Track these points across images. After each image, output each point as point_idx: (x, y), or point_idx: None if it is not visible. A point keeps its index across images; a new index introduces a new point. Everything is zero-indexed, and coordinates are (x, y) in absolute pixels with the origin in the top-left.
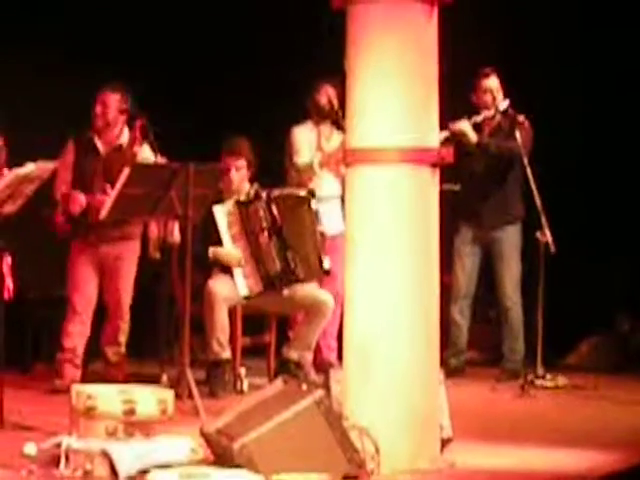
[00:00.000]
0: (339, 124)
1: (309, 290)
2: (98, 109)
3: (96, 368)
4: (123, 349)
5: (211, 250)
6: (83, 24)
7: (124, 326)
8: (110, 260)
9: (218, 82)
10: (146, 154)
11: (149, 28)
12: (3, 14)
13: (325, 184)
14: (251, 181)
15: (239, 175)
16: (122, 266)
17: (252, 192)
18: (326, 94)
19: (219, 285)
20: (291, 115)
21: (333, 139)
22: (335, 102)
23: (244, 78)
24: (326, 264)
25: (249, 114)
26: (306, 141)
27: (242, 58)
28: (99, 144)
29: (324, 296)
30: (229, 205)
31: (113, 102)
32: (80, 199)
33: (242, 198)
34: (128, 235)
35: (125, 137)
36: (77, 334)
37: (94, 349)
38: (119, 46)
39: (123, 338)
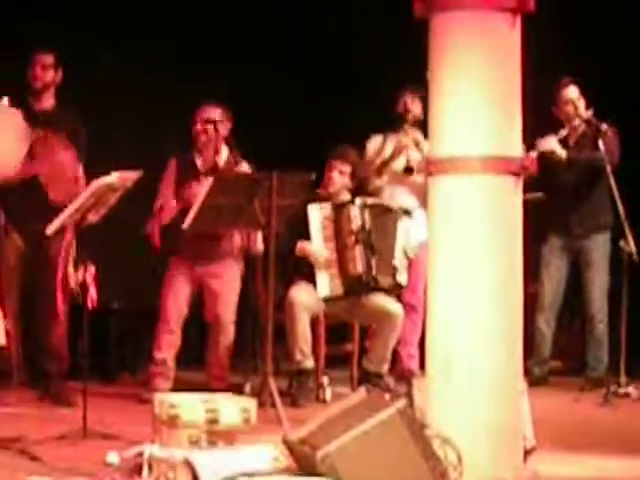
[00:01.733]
0: (411, 131)
1: (379, 300)
2: (199, 125)
3: (197, 378)
4: (225, 366)
5: (299, 245)
6: (178, 38)
7: (228, 337)
8: (209, 278)
9: (311, 92)
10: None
11: (243, 40)
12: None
13: (401, 196)
14: (352, 194)
15: (341, 179)
16: (221, 285)
17: (348, 197)
18: (404, 101)
19: (301, 294)
20: (381, 125)
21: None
22: (415, 109)
23: (336, 87)
24: (401, 278)
25: (341, 125)
26: (376, 153)
27: (333, 68)
28: (199, 162)
29: (393, 307)
30: (325, 206)
31: (217, 117)
32: (171, 208)
33: (338, 201)
34: (225, 253)
35: (225, 153)
36: (168, 346)
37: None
38: (212, 56)
39: (225, 352)
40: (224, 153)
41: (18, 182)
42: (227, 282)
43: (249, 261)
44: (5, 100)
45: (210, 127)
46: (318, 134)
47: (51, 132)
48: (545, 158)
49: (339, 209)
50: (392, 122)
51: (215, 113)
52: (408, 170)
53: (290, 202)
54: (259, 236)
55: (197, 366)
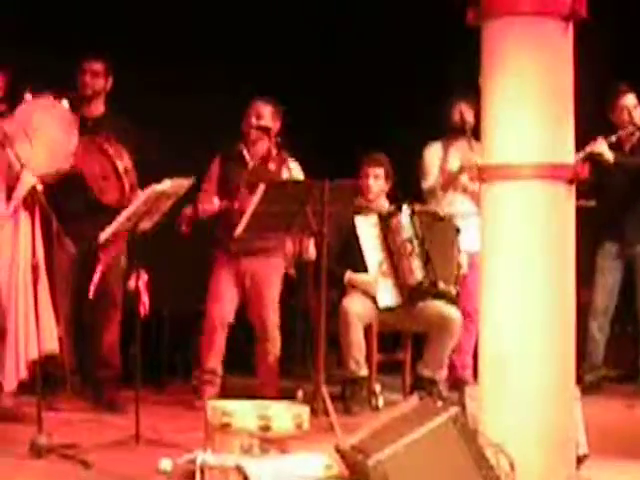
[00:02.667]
0: (469, 140)
1: (437, 307)
2: (252, 120)
3: (247, 383)
4: (275, 369)
5: (347, 276)
6: (225, 39)
7: (275, 345)
8: (252, 276)
9: (357, 99)
10: (295, 172)
11: (293, 46)
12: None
13: (458, 202)
14: (390, 198)
15: (377, 184)
16: (265, 283)
17: (394, 206)
18: (459, 110)
19: (354, 304)
20: (430, 133)
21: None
22: (468, 118)
23: (382, 94)
24: (453, 290)
25: (388, 131)
26: (434, 162)
27: (380, 75)
28: (248, 156)
29: (451, 313)
30: (372, 218)
31: (268, 113)
32: (214, 201)
33: (384, 212)
34: (270, 250)
35: (273, 150)
36: (216, 354)
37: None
38: (261, 61)
39: (272, 357)
40: (272, 149)
41: (67, 180)
42: (272, 282)
43: (301, 267)
44: (65, 102)
45: (260, 123)
46: (359, 142)
47: (101, 136)
48: (594, 160)
49: (387, 219)
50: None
51: (267, 109)
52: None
53: (340, 209)
54: (311, 243)
55: (245, 372)
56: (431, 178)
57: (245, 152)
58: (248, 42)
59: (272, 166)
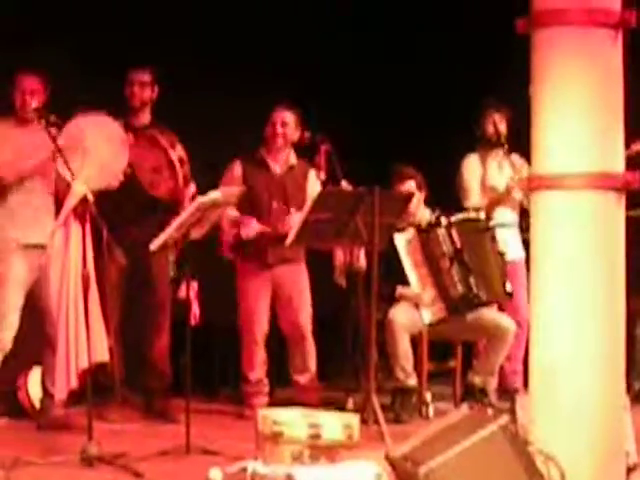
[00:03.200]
0: (506, 152)
1: (491, 315)
2: (278, 128)
3: (287, 393)
4: (314, 374)
5: (398, 290)
6: (258, 43)
7: (311, 350)
8: (282, 284)
9: (392, 109)
10: (312, 181)
11: (329, 53)
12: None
13: (501, 212)
14: (427, 205)
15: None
16: (296, 289)
17: (432, 218)
18: (492, 121)
19: (400, 314)
20: (465, 143)
21: (505, 170)
22: (502, 129)
23: (419, 105)
24: (508, 287)
25: (423, 142)
26: (475, 178)
27: (418, 84)
28: (272, 164)
29: (505, 321)
30: (409, 233)
31: (292, 120)
32: (254, 225)
33: (423, 225)
34: (297, 257)
35: (293, 158)
36: (260, 364)
37: (283, 375)
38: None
39: (312, 363)
40: (293, 156)
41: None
42: (302, 289)
43: (351, 277)
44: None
45: (286, 130)
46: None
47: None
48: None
49: (425, 233)
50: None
51: (291, 117)
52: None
53: (391, 219)
54: (362, 252)
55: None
56: (474, 197)
57: (269, 159)
58: (274, 49)
59: (322, 175)
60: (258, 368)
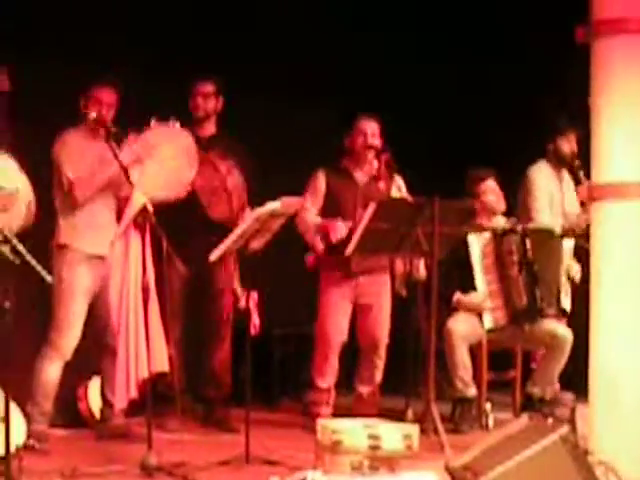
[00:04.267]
0: (575, 175)
1: (548, 325)
2: (369, 139)
3: (346, 402)
4: (377, 386)
5: (455, 296)
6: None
7: (381, 365)
8: (364, 294)
9: (463, 117)
10: (402, 191)
11: (393, 65)
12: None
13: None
14: (504, 214)
15: (491, 199)
16: (378, 301)
17: (508, 225)
18: (569, 142)
19: (458, 324)
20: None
21: (570, 189)
22: (575, 150)
23: (483, 112)
24: (566, 304)
25: (496, 151)
26: (546, 193)
27: (490, 96)
28: (356, 173)
29: (562, 331)
30: (484, 236)
31: (376, 131)
32: (341, 227)
33: (498, 230)
34: (380, 268)
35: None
36: (331, 373)
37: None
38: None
39: (379, 377)
40: (374, 166)
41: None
42: (384, 300)
43: (411, 287)
44: (177, 124)
45: (374, 140)
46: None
47: (214, 153)
48: None
49: (499, 239)
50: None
51: (375, 127)
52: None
53: (452, 229)
54: (421, 263)
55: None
56: (546, 213)
57: (353, 169)
58: (335, 54)
59: (382, 184)
60: (328, 376)
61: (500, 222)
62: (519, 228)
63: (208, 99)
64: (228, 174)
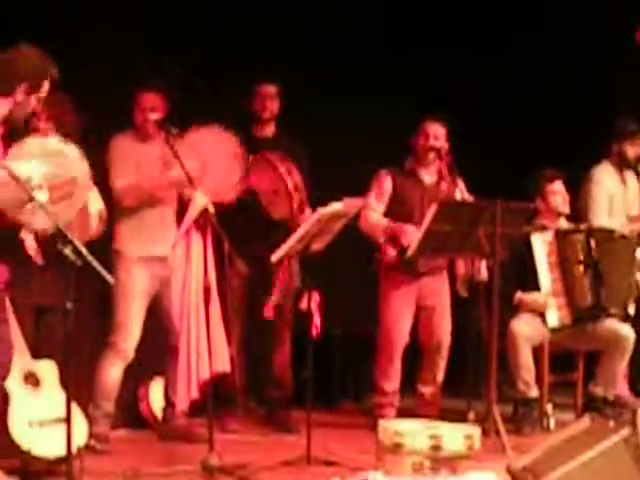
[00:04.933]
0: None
1: (611, 325)
2: (431, 141)
3: (408, 403)
4: (439, 387)
5: (517, 296)
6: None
7: (443, 365)
8: (427, 295)
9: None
10: (464, 192)
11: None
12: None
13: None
14: (567, 218)
15: (556, 200)
16: (440, 302)
17: (572, 224)
18: (633, 145)
19: (522, 325)
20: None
21: (631, 186)
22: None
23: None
24: (630, 309)
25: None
26: (606, 195)
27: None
28: (422, 174)
29: (625, 331)
30: (548, 234)
31: (443, 133)
32: (413, 231)
33: (562, 228)
34: (440, 268)
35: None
36: (395, 375)
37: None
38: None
39: (440, 377)
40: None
41: (236, 202)
42: (445, 300)
43: (473, 288)
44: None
45: (437, 143)
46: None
47: (273, 153)
48: None
49: (563, 238)
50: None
51: (441, 130)
52: None
53: (513, 231)
54: (483, 264)
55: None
56: (603, 215)
57: (419, 170)
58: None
59: (444, 186)
60: (393, 379)
61: (563, 225)
62: (583, 227)
63: (272, 100)
64: (288, 174)
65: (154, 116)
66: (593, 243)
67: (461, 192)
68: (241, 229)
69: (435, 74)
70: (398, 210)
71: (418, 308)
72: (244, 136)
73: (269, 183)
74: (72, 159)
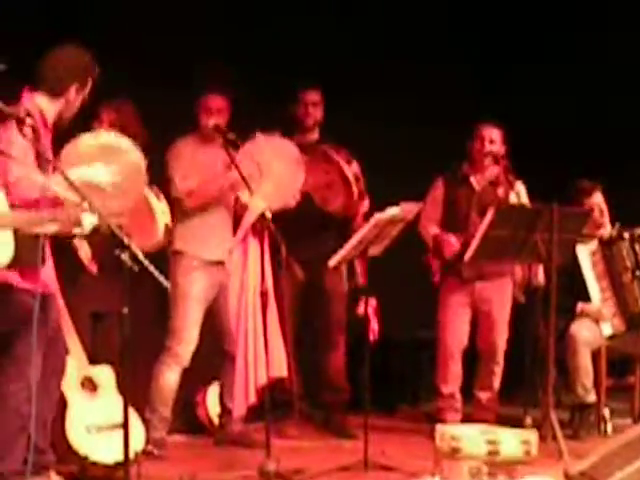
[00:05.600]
0: None
1: None
2: (486, 145)
3: (465, 408)
4: (496, 392)
5: (579, 306)
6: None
7: (498, 371)
8: (484, 301)
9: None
10: (523, 196)
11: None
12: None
13: None
14: (611, 222)
15: (599, 211)
16: (496, 307)
17: (615, 232)
18: None
19: (582, 330)
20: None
21: None
22: None
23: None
24: None
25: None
26: None
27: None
28: (474, 180)
29: None
30: (592, 245)
31: (499, 137)
32: (453, 243)
33: (605, 237)
34: (501, 274)
35: (493, 174)
36: (454, 378)
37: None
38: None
39: (497, 383)
40: (492, 172)
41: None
42: (502, 306)
43: (530, 293)
44: (260, 135)
45: (493, 147)
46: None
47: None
48: None
49: (608, 246)
50: None
51: (498, 134)
52: None
53: (570, 236)
54: (540, 269)
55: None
56: None
57: (471, 175)
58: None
59: (500, 191)
60: (452, 382)
61: (606, 233)
62: (626, 235)
63: (316, 107)
64: (346, 163)
65: (218, 119)
66: (638, 248)
67: (517, 196)
68: (293, 233)
69: (494, 78)
70: (450, 217)
71: (475, 313)
72: None
73: (324, 176)
74: (127, 151)
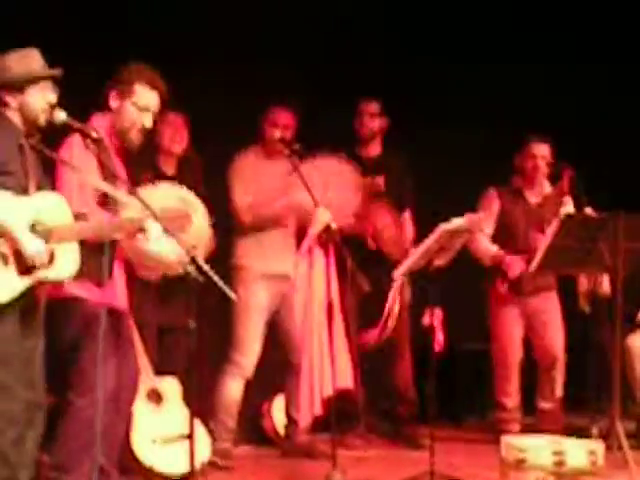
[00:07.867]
0: None
1: None
2: (539, 162)
3: (529, 420)
4: (559, 401)
5: (639, 316)
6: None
7: (560, 379)
8: (536, 313)
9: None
10: (569, 208)
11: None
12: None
13: None
14: None
15: None
16: (550, 319)
17: None
18: None
19: (637, 341)
20: None
21: None
22: None
23: None
24: None
25: None
26: None
27: None
28: (528, 194)
29: None
30: None
31: (548, 153)
32: (517, 264)
33: None
34: (549, 286)
35: (548, 187)
36: (515, 391)
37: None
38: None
39: (559, 391)
40: (547, 186)
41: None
42: (557, 315)
43: (595, 303)
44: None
45: (542, 163)
46: None
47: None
48: None
49: None
50: None
51: (548, 149)
52: None
53: (635, 244)
54: (605, 278)
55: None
56: None
57: (525, 190)
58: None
59: (552, 203)
60: (512, 394)
61: None
62: None
63: (374, 118)
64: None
65: (285, 134)
66: None
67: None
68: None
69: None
70: (503, 229)
71: (528, 326)
72: (349, 157)
73: (377, 229)
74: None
